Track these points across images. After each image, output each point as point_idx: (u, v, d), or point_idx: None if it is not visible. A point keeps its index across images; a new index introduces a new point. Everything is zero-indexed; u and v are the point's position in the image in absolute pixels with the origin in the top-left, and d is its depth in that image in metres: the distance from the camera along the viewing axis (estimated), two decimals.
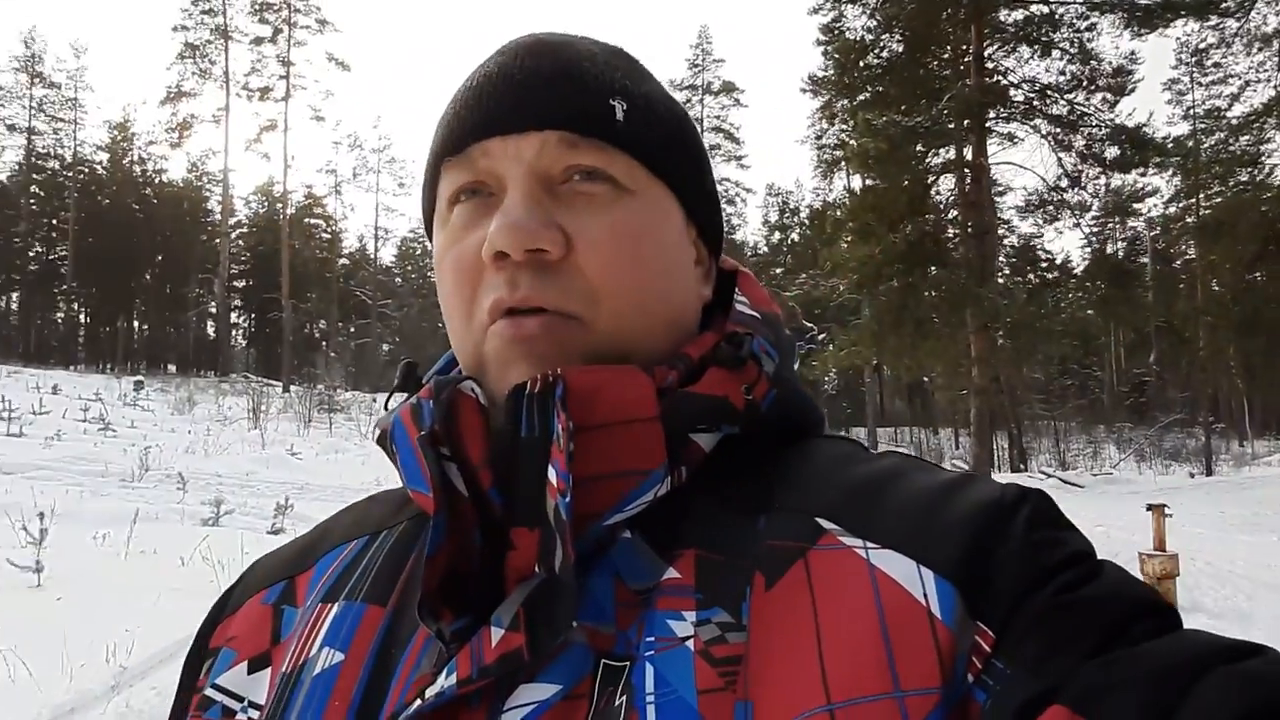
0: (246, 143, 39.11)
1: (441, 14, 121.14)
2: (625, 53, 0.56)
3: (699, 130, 0.58)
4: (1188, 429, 30.33)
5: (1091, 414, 34.98)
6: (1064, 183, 16.16)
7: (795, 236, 45.23)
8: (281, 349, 37.06)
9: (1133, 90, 15.72)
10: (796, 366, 0.57)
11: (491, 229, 0.47)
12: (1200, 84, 30.21)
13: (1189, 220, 27.37)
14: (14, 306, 47.35)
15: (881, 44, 16.98)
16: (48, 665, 4.06)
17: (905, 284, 14.90)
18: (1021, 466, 25.54)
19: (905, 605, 0.39)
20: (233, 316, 48.43)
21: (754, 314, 0.54)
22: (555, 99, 0.49)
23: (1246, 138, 20.05)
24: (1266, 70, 22.16)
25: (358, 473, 13.58)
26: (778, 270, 41.84)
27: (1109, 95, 15.71)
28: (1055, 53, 15.65)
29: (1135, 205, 18.32)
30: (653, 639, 0.41)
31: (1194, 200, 26.84)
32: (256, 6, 38.07)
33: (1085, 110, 15.59)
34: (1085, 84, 15.70)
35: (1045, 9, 15.42)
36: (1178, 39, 27.89)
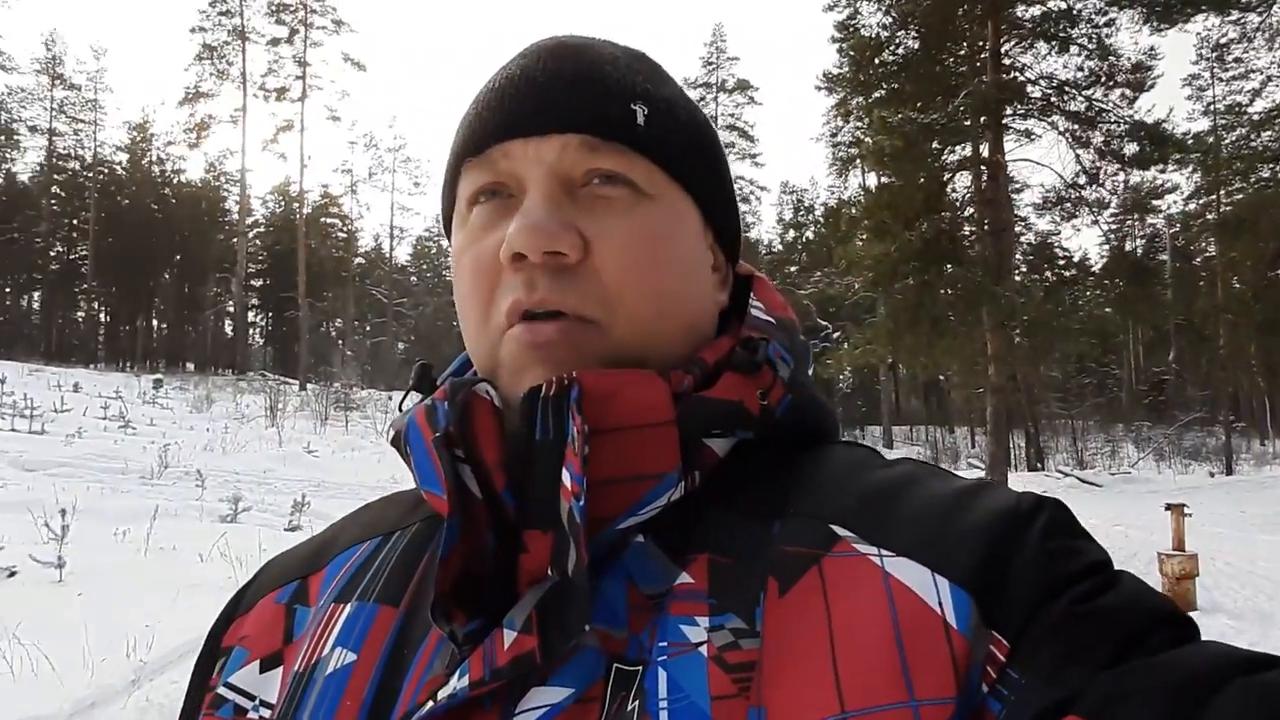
0: (263, 143, 39.44)
1: (456, 13, 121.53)
2: (647, 57, 0.56)
3: (718, 134, 0.58)
4: (1208, 428, 30.03)
5: (1110, 412, 34.69)
6: (1082, 179, 16.00)
7: (810, 234, 45.04)
8: (298, 347, 37.31)
9: (1152, 86, 15.54)
10: (811, 369, 0.56)
11: (510, 230, 0.47)
12: (1221, 79, 29.84)
13: (1209, 217, 27.02)
14: (35, 305, 47.93)
15: (897, 41, 16.86)
16: (69, 659, 4.12)
17: (921, 282, 14.80)
18: (1039, 465, 25.35)
19: (920, 613, 0.39)
20: (250, 315, 48.84)
21: (769, 319, 0.54)
22: (577, 102, 0.49)
23: (1268, 133, 19.75)
24: None
25: (373, 470, 13.66)
26: (792, 268, 41.69)
27: (1128, 91, 15.53)
28: (1073, 48, 15.48)
29: (1154, 202, 18.17)
30: (665, 644, 0.41)
31: (1214, 197, 26.50)
32: (273, 8, 38.32)
33: (1104, 106, 15.42)
34: (1103, 80, 15.52)
35: (1063, 4, 15.27)
36: (1198, 34, 27.59)
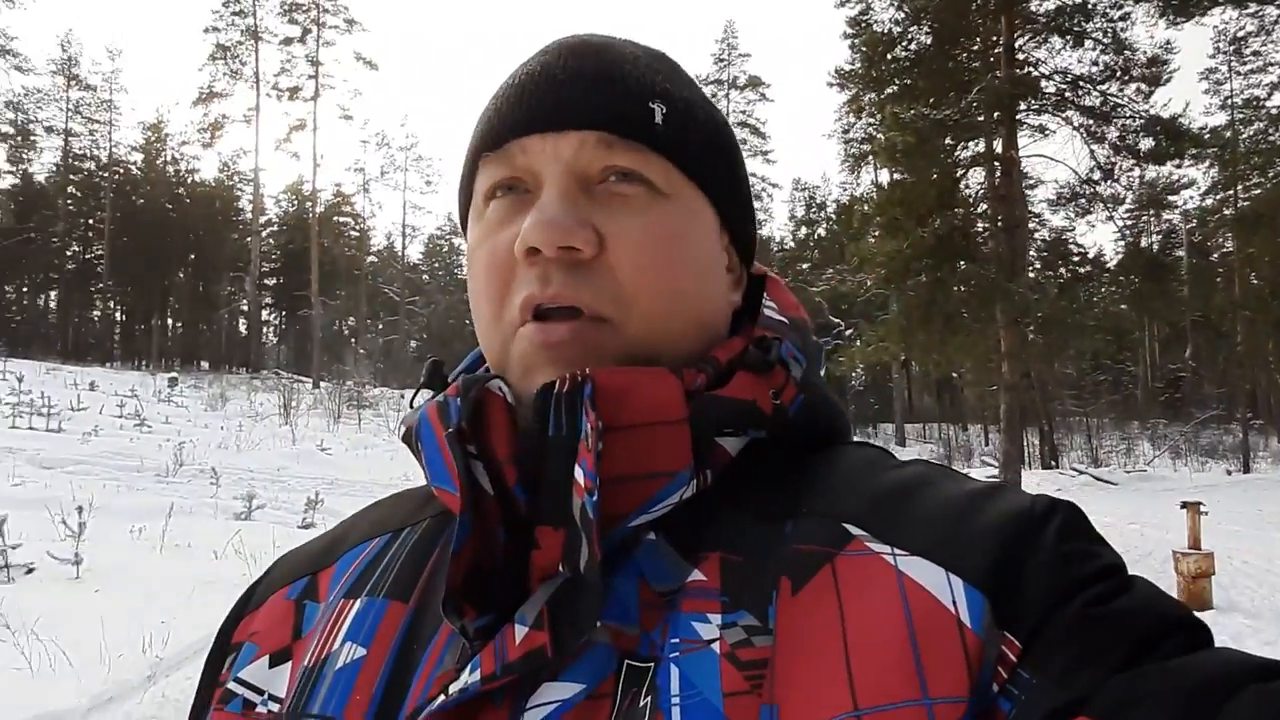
0: (276, 142, 39.58)
1: (468, 12, 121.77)
2: (667, 57, 0.56)
3: (736, 135, 0.58)
4: (1225, 425, 29.77)
5: (1125, 410, 34.40)
6: (1097, 175, 15.85)
7: (822, 231, 44.91)
8: (311, 346, 37.49)
9: (1168, 80, 15.37)
10: (823, 370, 0.56)
11: (526, 225, 0.47)
12: (1239, 73, 29.55)
13: (1227, 212, 26.77)
14: (52, 305, 48.37)
15: (910, 36, 16.76)
16: (87, 655, 4.16)
17: (934, 279, 14.72)
18: (1053, 463, 25.18)
19: (934, 612, 0.39)
20: (264, 314, 49.12)
21: (782, 319, 0.54)
22: (596, 100, 0.49)
23: None
24: None
25: (386, 468, 13.72)
26: (804, 265, 41.57)
27: (1143, 86, 15.37)
28: (1088, 43, 15.33)
29: (1171, 198, 17.98)
30: (677, 640, 0.41)
31: (1232, 192, 26.26)
32: (286, 7, 38.49)
33: (1119, 101, 15.28)
34: (1119, 75, 15.37)
35: None
36: (1215, 27, 27.32)
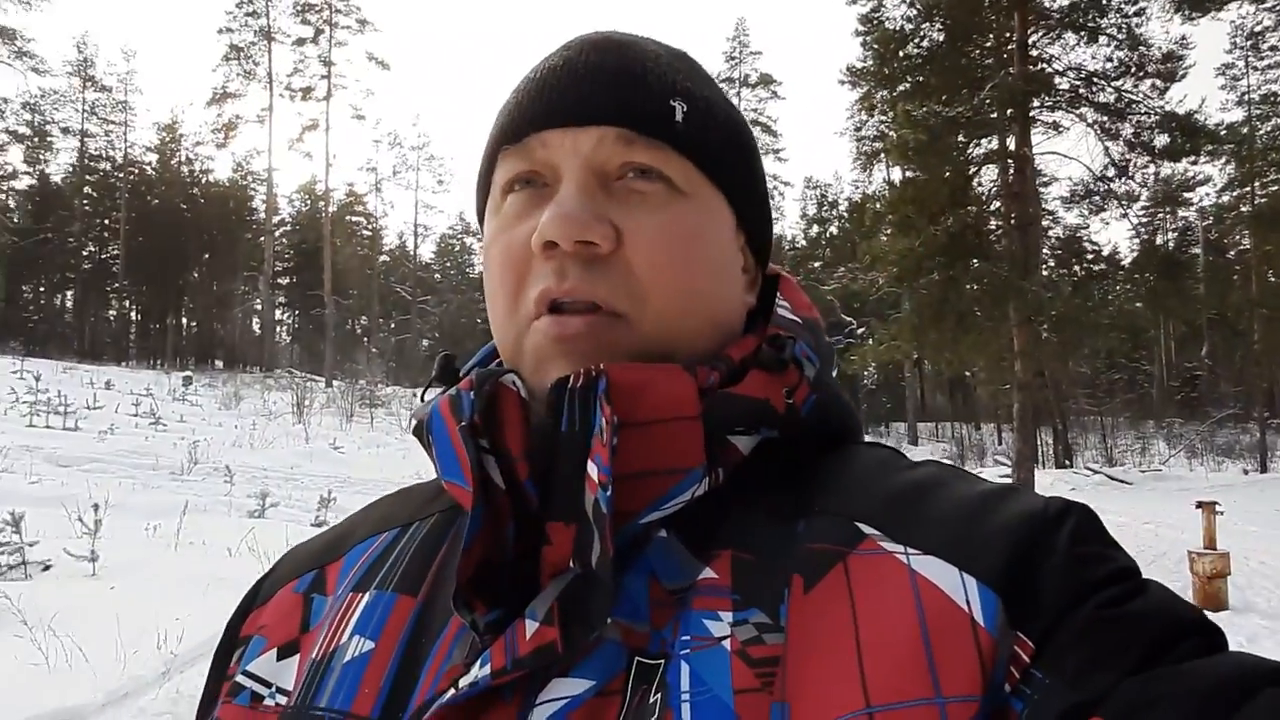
0: (289, 142, 39.78)
1: (479, 12, 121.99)
2: (689, 56, 0.56)
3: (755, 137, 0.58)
4: (1241, 424, 29.48)
5: (1140, 409, 34.14)
6: (1111, 172, 15.72)
7: (834, 229, 44.77)
8: (324, 345, 37.66)
9: (1184, 76, 15.23)
10: (835, 371, 0.56)
11: (543, 218, 0.47)
12: (1256, 68, 29.22)
13: (1244, 209, 26.53)
14: (69, 304, 48.82)
15: (922, 33, 16.66)
16: (102, 651, 4.19)
17: (946, 277, 14.64)
18: (1066, 463, 25.02)
19: (947, 611, 0.39)
20: (277, 313, 49.41)
21: (795, 318, 0.54)
22: (617, 96, 0.49)
23: None
24: None
25: (398, 466, 13.78)
26: (816, 264, 41.47)
27: (1158, 82, 15.23)
28: (1102, 39, 15.21)
29: (1186, 195, 17.82)
30: (688, 638, 0.41)
31: (1249, 188, 26.00)
32: (298, 8, 38.65)
33: (1133, 97, 15.14)
34: (1133, 70, 15.24)
35: None
36: (1232, 22, 27.04)
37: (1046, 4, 15.36)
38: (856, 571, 0.41)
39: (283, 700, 0.49)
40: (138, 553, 6.41)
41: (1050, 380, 20.96)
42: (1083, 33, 15.20)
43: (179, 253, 45.31)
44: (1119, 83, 15.27)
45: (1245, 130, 21.61)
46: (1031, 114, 15.33)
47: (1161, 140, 14.79)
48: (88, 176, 44.77)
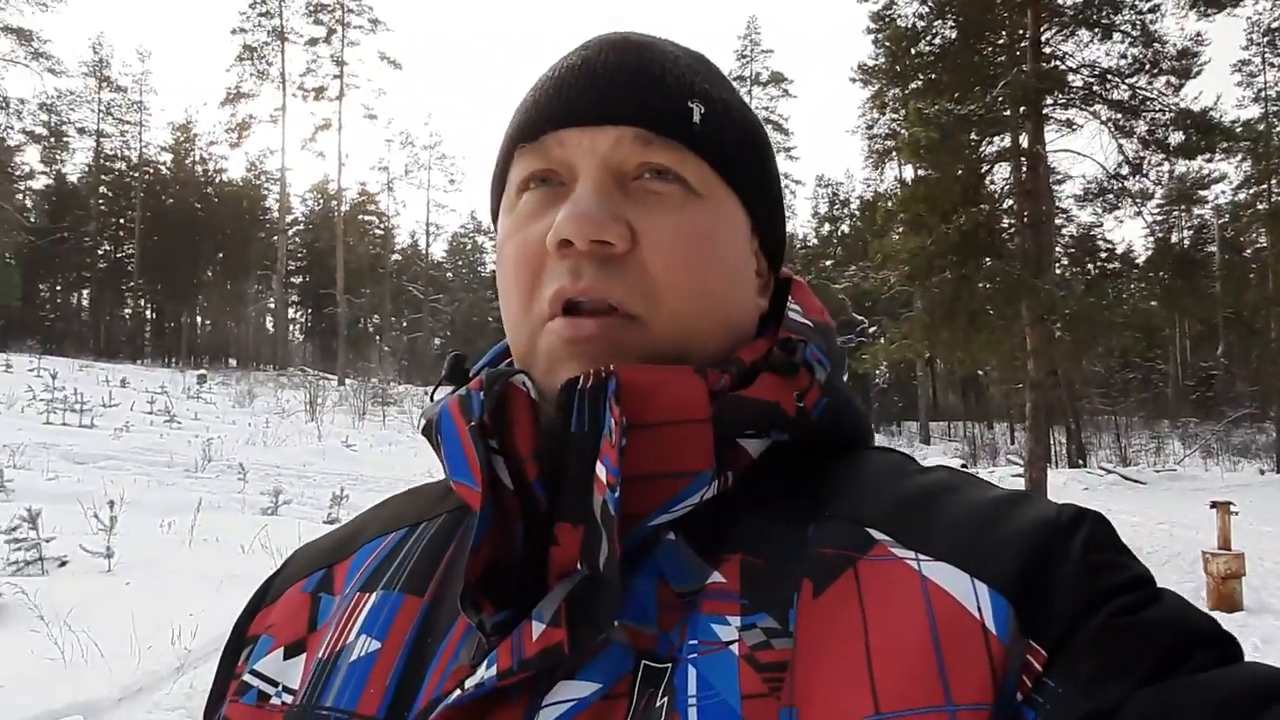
0: (302, 142, 40.12)
1: (491, 11, 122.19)
2: (706, 58, 0.56)
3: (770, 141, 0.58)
4: (1258, 424, 29.19)
5: (1155, 408, 33.85)
6: (1125, 170, 15.58)
7: (845, 228, 44.59)
8: (336, 343, 37.84)
9: (1199, 73, 15.07)
10: (846, 374, 0.56)
11: (559, 217, 0.47)
12: (1273, 64, 28.96)
13: (1260, 207, 26.25)
14: (85, 303, 49.24)
15: (934, 30, 16.56)
16: (117, 646, 4.23)
17: (958, 276, 14.55)
18: (1080, 462, 24.86)
19: (958, 617, 0.38)
20: (290, 312, 49.72)
21: (806, 322, 0.53)
22: (635, 96, 0.49)
23: None
24: None
25: (410, 464, 13.83)
26: (827, 262, 41.30)
27: (1173, 79, 15.09)
28: (1116, 35, 15.08)
29: (1202, 192, 17.62)
30: (696, 642, 0.41)
31: (1265, 186, 25.74)
32: (311, 8, 38.85)
33: (1148, 95, 15.00)
34: (1148, 67, 15.10)
35: None
36: (1248, 18, 26.78)
37: (1059, 1, 15.26)
38: (867, 577, 0.41)
39: (289, 699, 0.49)
40: (152, 549, 6.46)
41: (1064, 379, 20.82)
42: (1096, 29, 15.08)
43: (193, 252, 45.61)
44: (1133, 80, 15.14)
45: (1261, 127, 21.41)
46: (1044, 111, 15.23)
47: (1176, 137, 14.65)
48: (103, 176, 45.12)
